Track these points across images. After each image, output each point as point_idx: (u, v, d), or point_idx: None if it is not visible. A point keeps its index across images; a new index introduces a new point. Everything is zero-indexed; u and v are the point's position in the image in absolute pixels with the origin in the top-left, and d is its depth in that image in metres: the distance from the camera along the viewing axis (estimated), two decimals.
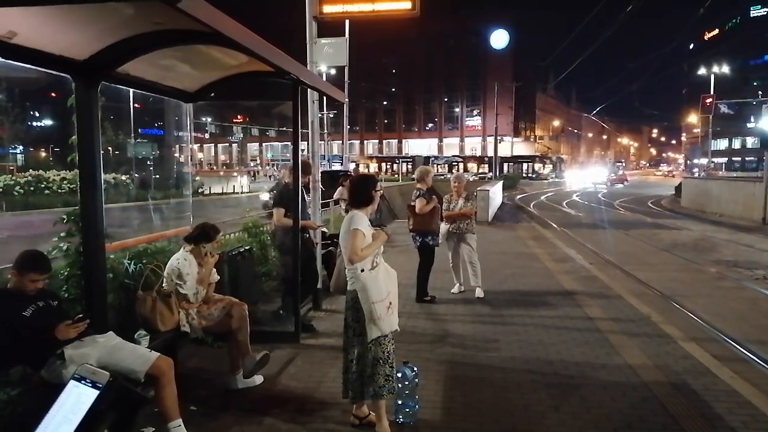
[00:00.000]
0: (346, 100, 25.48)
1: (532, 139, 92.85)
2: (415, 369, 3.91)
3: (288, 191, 5.93)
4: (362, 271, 3.65)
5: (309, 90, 6.57)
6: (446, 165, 71.15)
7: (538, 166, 73.79)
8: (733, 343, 5.94)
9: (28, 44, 3.41)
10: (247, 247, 6.53)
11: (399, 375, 3.80)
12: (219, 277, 4.84)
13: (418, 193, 7.31)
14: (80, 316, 3.26)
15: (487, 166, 68.50)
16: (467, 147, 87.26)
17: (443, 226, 7.55)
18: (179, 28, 3.76)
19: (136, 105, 32.67)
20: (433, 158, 72.59)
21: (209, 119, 68.87)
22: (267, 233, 7.47)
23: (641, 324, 6.38)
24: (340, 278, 4.01)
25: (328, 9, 6.82)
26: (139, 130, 34.43)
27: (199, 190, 31.20)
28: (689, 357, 5.23)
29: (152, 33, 3.81)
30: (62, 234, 4.20)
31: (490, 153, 64.14)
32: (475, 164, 72.63)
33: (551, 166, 75.03)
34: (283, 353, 5.29)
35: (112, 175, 27.15)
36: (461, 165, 71.57)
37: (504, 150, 66.87)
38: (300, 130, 5.66)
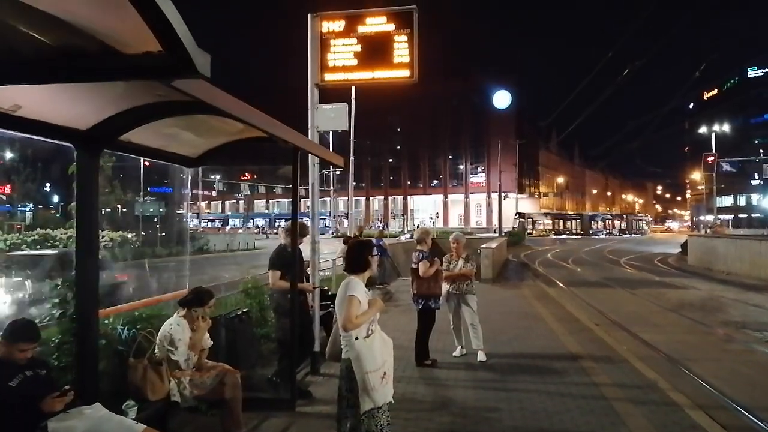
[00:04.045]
0: (352, 157, 25.82)
1: (536, 196, 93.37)
2: None
3: (284, 253, 5.93)
4: (356, 339, 3.61)
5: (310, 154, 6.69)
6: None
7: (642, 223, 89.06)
8: (742, 410, 5.75)
9: (32, 116, 3.51)
10: (245, 310, 6.47)
11: None
12: (212, 343, 4.78)
13: (420, 255, 7.26)
14: (67, 387, 3.21)
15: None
16: (472, 203, 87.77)
17: (444, 287, 7.48)
18: (180, 100, 3.88)
19: (146, 163, 33.24)
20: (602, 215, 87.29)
21: (217, 177, 69.91)
22: (267, 294, 7.42)
23: (647, 390, 6.19)
24: (335, 345, 3.95)
25: (329, 77, 7.04)
26: (149, 188, 34.89)
27: (204, 248, 31.34)
28: (697, 427, 5.05)
29: (154, 104, 3.93)
30: (56, 301, 4.20)
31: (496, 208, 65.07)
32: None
33: (646, 224, 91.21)
34: (277, 422, 5.15)
35: (119, 233, 27.28)
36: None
37: (509, 207, 67.18)
38: (300, 191, 5.75)
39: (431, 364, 7.21)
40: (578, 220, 79.88)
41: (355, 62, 6.96)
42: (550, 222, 77.53)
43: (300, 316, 5.83)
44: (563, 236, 69.98)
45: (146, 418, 3.88)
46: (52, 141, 3.83)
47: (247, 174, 78.26)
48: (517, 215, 73.17)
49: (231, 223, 77.19)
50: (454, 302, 7.67)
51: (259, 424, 5.12)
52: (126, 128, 4.11)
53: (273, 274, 6.07)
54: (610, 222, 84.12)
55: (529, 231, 70.37)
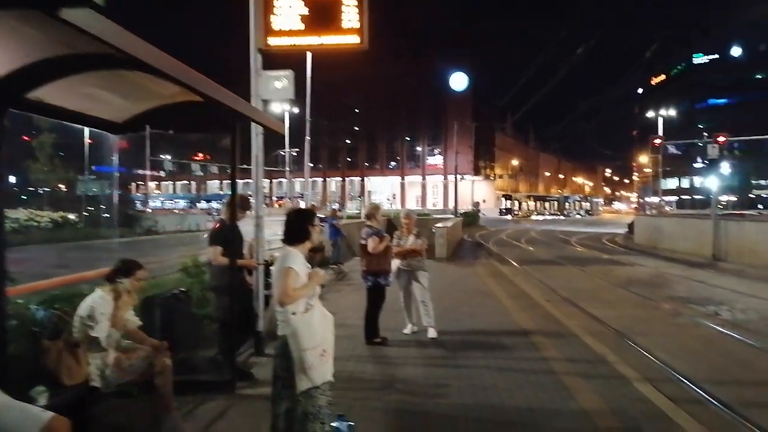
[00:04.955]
0: (308, 137, 25.21)
1: (492, 178, 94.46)
2: (352, 423, 3.56)
3: (225, 228, 5.57)
4: (294, 314, 3.34)
5: (252, 123, 6.30)
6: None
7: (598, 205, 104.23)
8: (688, 383, 5.79)
9: None
10: (183, 289, 6.08)
11: (333, 426, 3.44)
12: (141, 323, 4.41)
13: (369, 231, 7.05)
14: None
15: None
16: (429, 185, 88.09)
17: (394, 263, 7.28)
18: (94, 52, 3.46)
19: (90, 141, 31.68)
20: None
21: (168, 157, 67.60)
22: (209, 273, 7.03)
23: (597, 364, 6.19)
24: (272, 322, 3.67)
25: (273, 41, 6.61)
26: (93, 167, 33.26)
27: (152, 228, 30.29)
28: (645, 400, 5.03)
29: (64, 56, 3.50)
30: None
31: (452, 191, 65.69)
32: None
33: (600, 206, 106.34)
34: (215, 405, 4.85)
35: (60, 214, 26.04)
36: None
37: (465, 189, 67.88)
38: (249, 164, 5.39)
39: (381, 342, 7.02)
40: (556, 202, 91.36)
41: (302, 26, 6.55)
42: (533, 203, 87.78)
43: (240, 294, 5.50)
44: (542, 217, 74.92)
45: (62, 404, 3.52)
46: None
47: (200, 154, 76.11)
48: (503, 197, 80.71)
49: (152, 203, 73.28)
50: (405, 279, 7.49)
51: (194, 407, 4.81)
52: (32, 85, 3.67)
53: (214, 250, 5.69)
54: (578, 203, 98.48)
55: (516, 212, 77.78)
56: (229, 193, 5.45)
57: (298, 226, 3.60)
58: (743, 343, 7.77)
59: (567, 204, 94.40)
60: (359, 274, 7.54)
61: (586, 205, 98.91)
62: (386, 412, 4.83)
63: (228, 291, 5.30)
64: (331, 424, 3.43)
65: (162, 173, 73.74)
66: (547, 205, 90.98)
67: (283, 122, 37.02)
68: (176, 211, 54.10)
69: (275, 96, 6.77)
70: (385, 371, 6.02)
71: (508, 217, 71.43)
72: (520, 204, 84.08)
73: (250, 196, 6.54)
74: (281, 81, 6.49)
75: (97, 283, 4.51)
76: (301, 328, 3.31)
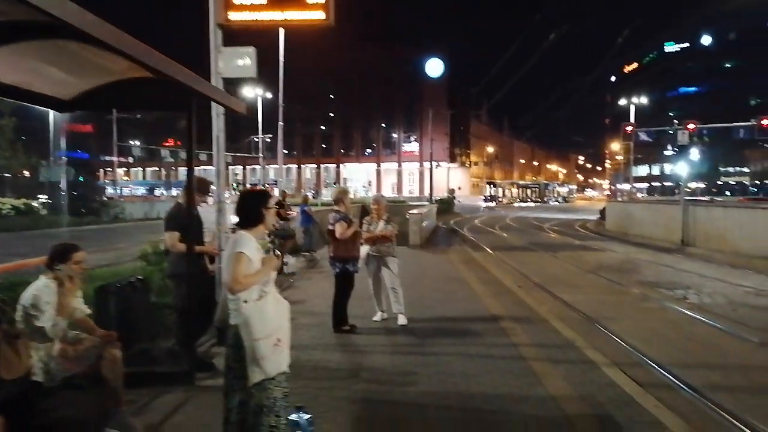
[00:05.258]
0: (281, 123, 24.72)
1: (467, 165, 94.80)
2: (310, 416, 3.39)
3: (181, 213, 5.32)
4: (246, 302, 3.14)
5: (213, 103, 6.02)
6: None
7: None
8: (657, 367, 5.79)
9: None
10: (140, 277, 5.82)
11: (290, 419, 3.27)
12: (90, 312, 4.17)
13: (337, 216, 6.85)
14: None
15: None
16: (405, 172, 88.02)
17: (363, 249, 7.12)
18: (30, 20, 3.19)
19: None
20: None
21: (137, 142, 66.02)
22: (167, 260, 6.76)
23: (566, 349, 6.14)
24: (225, 310, 3.47)
25: (234, 16, 6.31)
26: (57, 152, 32.18)
27: (119, 216, 29.57)
28: (613, 385, 4.98)
29: None
30: None
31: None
32: None
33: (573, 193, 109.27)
34: (172, 398, 4.64)
35: (23, 201, 25.23)
36: None
37: (440, 176, 67.97)
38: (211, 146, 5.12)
39: (349, 330, 6.87)
40: (537, 189, 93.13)
41: (264, 0, 6.28)
42: (516, 190, 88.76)
43: (200, 282, 5.28)
44: (526, 204, 75.93)
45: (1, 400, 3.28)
46: None
47: (170, 140, 74.58)
48: (488, 183, 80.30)
49: (111, 190, 70.18)
50: (374, 265, 7.32)
51: (151, 400, 4.59)
52: None
53: (171, 235, 5.41)
54: (556, 190, 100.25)
55: (499, 199, 77.23)
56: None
57: (251, 209, 3.40)
58: (710, 327, 7.83)
59: (547, 191, 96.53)
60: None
61: (564, 191, 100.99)
62: (353, 401, 4.69)
63: (186, 279, 5.06)
64: (288, 416, 3.26)
65: (131, 159, 71.91)
66: (528, 192, 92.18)
67: (251, 105, 36.40)
68: (147, 198, 52.99)
69: (236, 74, 6.49)
70: (352, 360, 5.88)
71: (492, 204, 69.33)
72: (503, 191, 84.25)
73: (211, 183, 6.26)
74: (243, 58, 6.21)
75: (42, 270, 4.25)
76: (252, 316, 3.12)
